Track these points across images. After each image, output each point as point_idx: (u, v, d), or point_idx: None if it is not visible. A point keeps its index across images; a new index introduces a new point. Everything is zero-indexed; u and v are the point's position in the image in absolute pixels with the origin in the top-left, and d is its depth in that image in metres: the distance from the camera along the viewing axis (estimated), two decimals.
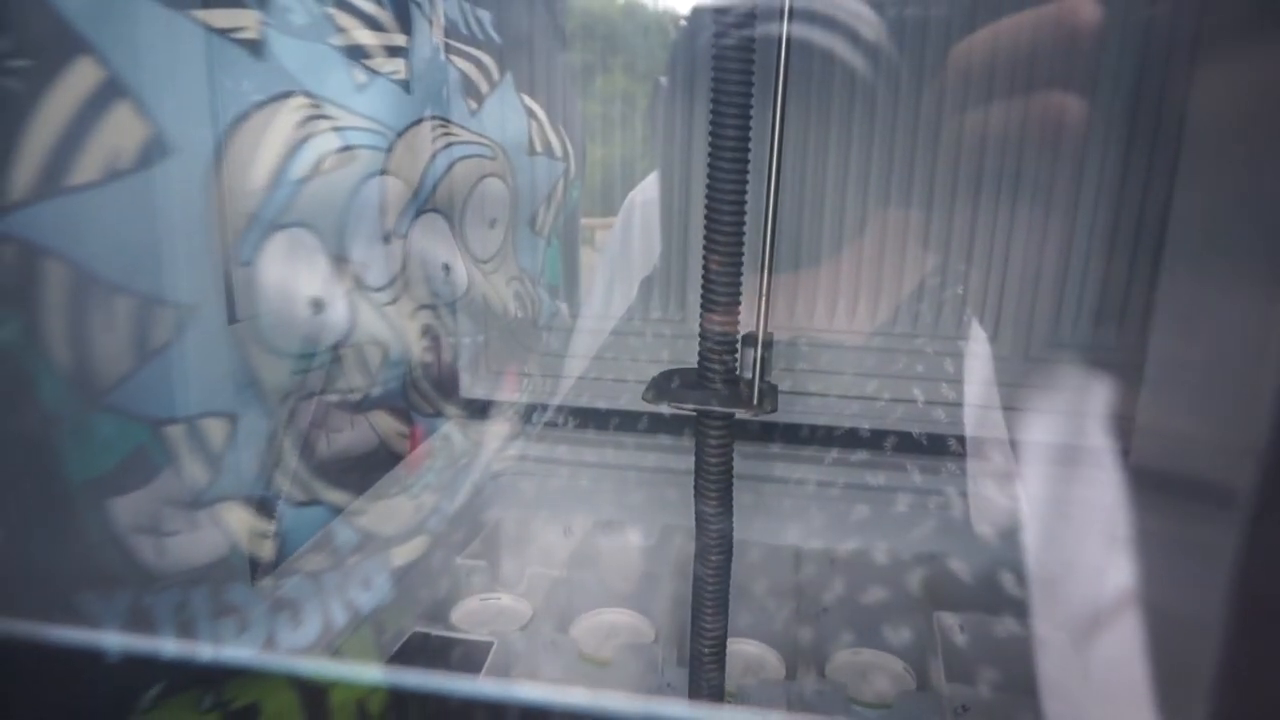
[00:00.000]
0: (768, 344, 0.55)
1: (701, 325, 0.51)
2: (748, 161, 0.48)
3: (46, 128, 0.35)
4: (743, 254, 0.50)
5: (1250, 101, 0.23)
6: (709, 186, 0.47)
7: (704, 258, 0.50)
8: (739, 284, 0.49)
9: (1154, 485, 0.28)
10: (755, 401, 0.51)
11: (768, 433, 0.73)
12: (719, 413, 0.50)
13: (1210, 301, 0.24)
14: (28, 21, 0.34)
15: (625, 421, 0.74)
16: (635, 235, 0.76)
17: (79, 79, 0.36)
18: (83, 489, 0.38)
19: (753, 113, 0.45)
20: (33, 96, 0.34)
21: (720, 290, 0.49)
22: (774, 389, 0.55)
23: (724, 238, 0.49)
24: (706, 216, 0.48)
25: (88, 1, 0.36)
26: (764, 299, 0.50)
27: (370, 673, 0.45)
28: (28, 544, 0.37)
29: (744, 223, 0.49)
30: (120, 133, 0.37)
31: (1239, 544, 0.22)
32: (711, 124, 0.44)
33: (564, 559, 0.63)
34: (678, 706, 0.45)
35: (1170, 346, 0.27)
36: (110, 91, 0.37)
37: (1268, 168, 0.21)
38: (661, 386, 0.54)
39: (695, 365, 0.50)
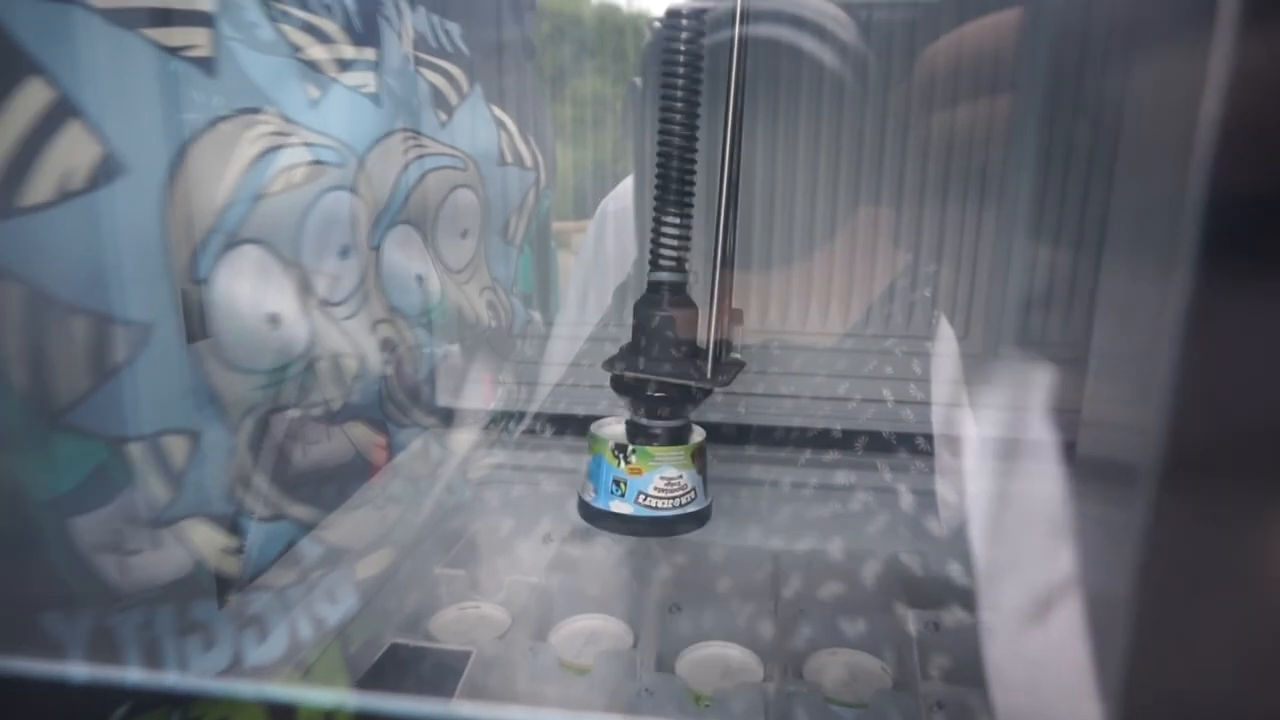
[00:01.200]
0: (735, 318, 0.56)
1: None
2: (698, 117, 0.50)
3: None
4: (691, 213, 0.53)
5: (1173, 103, 0.23)
6: (660, 143, 0.49)
7: (654, 218, 0.53)
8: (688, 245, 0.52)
9: (1095, 475, 0.28)
10: (710, 375, 0.55)
11: (742, 435, 0.73)
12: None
13: (1140, 293, 0.25)
14: None
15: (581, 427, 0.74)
16: (608, 242, 0.77)
17: (30, 100, 0.36)
18: (43, 508, 0.38)
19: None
20: None
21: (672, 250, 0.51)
22: (740, 364, 0.56)
23: (675, 196, 0.51)
24: (657, 174, 0.50)
25: (39, 22, 0.36)
26: (719, 264, 0.52)
27: (340, 691, 0.45)
28: None
29: (693, 180, 0.51)
30: (72, 152, 0.37)
31: (1142, 522, 0.23)
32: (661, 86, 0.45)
33: (542, 566, 0.63)
34: None
35: (1108, 339, 0.28)
36: (62, 111, 0.37)
37: (1187, 162, 0.22)
38: (626, 356, 0.56)
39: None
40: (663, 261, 0.55)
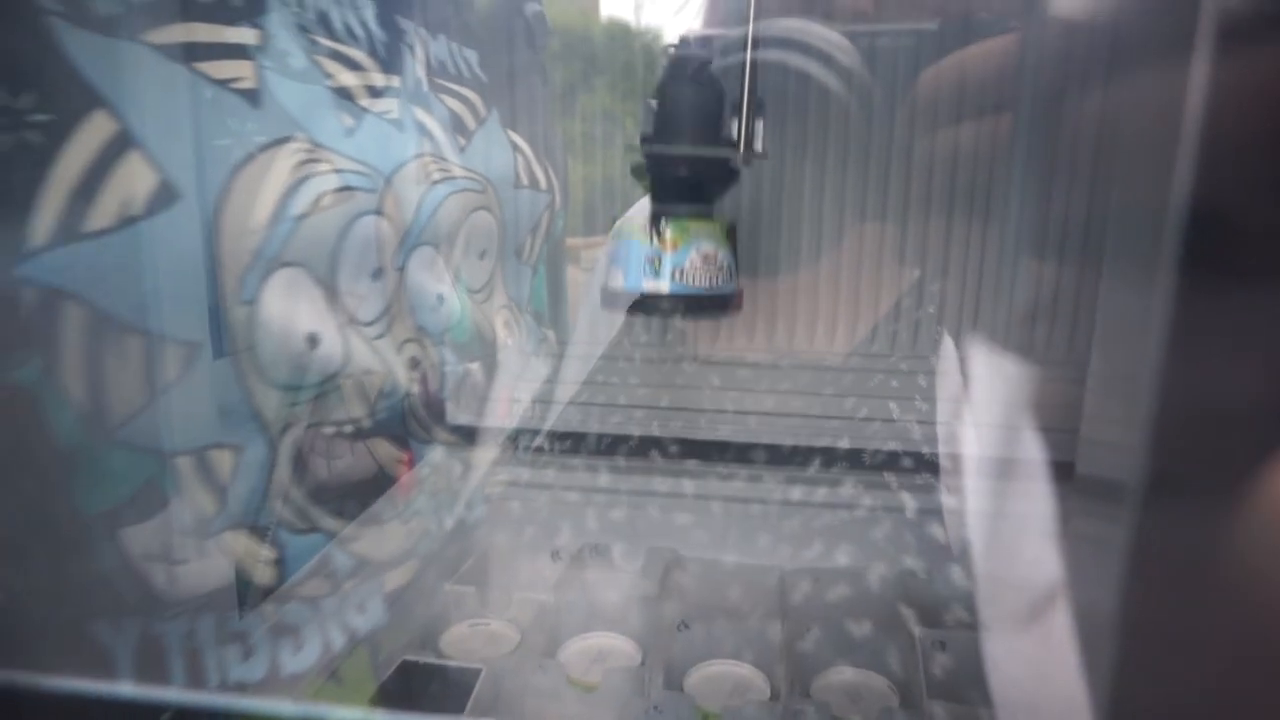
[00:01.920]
0: (759, 108, 0.56)
1: None
2: None
3: (66, 177, 0.37)
4: None
5: (1159, 120, 0.25)
6: None
7: None
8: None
9: (1091, 492, 0.30)
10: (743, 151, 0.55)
11: (745, 454, 0.75)
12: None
13: (1132, 311, 0.27)
14: (50, 78, 0.37)
15: (612, 445, 0.75)
16: None
17: (95, 131, 0.38)
18: (97, 520, 0.40)
19: None
20: (54, 148, 0.36)
21: None
22: (763, 154, 0.57)
23: None
24: None
25: (104, 59, 0.38)
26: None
27: (352, 709, 0.46)
28: (44, 574, 0.38)
29: None
30: (132, 180, 0.39)
31: (1131, 539, 0.25)
32: None
33: (551, 583, 0.64)
34: None
35: (1104, 357, 0.30)
36: (123, 142, 0.39)
37: (1171, 180, 0.24)
38: (655, 138, 0.56)
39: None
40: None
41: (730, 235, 0.60)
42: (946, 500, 0.65)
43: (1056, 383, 0.65)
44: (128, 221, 0.39)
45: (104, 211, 0.38)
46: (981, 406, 0.64)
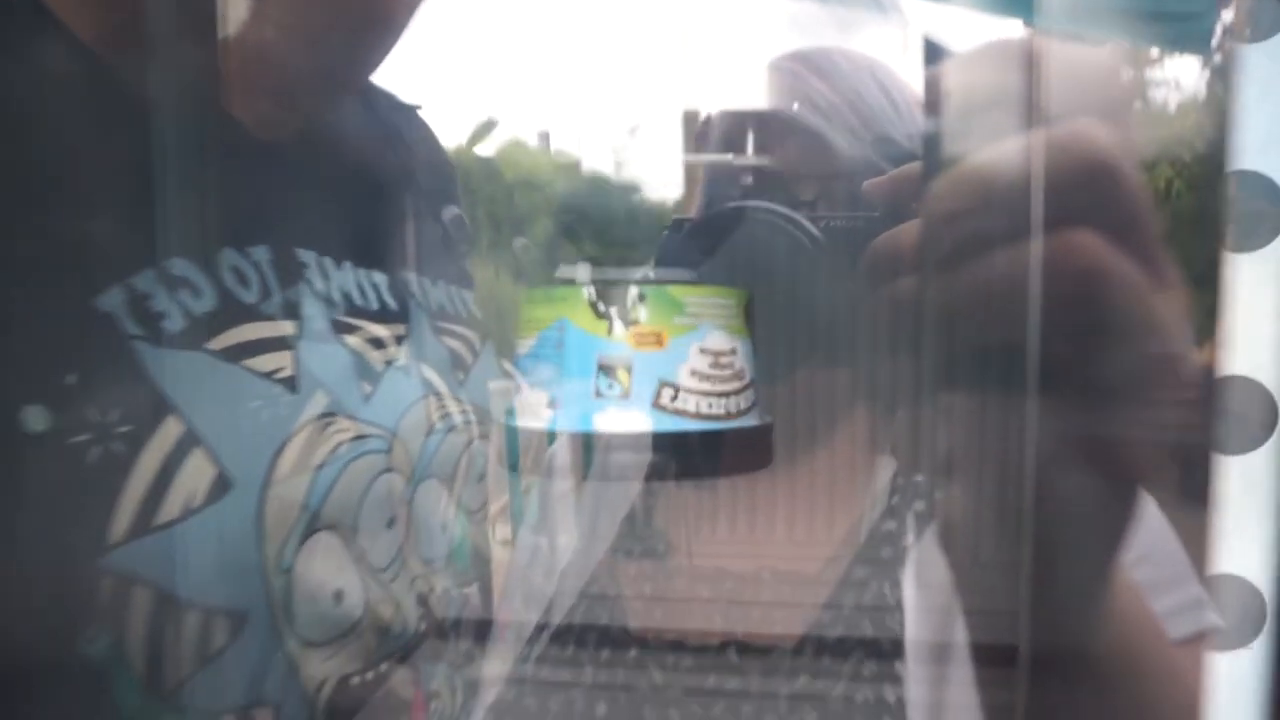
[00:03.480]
0: None
1: None
2: None
3: (143, 478, 0.43)
4: None
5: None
6: None
7: None
8: None
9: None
10: None
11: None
12: None
13: None
14: (132, 393, 0.44)
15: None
16: None
17: (166, 436, 0.44)
18: None
19: None
20: (133, 455, 0.43)
21: None
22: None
23: None
24: None
25: (173, 369, 0.46)
26: None
27: None
28: None
29: None
30: (195, 476, 0.45)
31: None
32: None
33: None
34: None
35: None
36: (189, 442, 0.45)
37: None
38: None
39: None
40: None
41: (750, 317, 0.36)
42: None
43: None
44: (191, 512, 0.45)
45: (171, 506, 0.44)
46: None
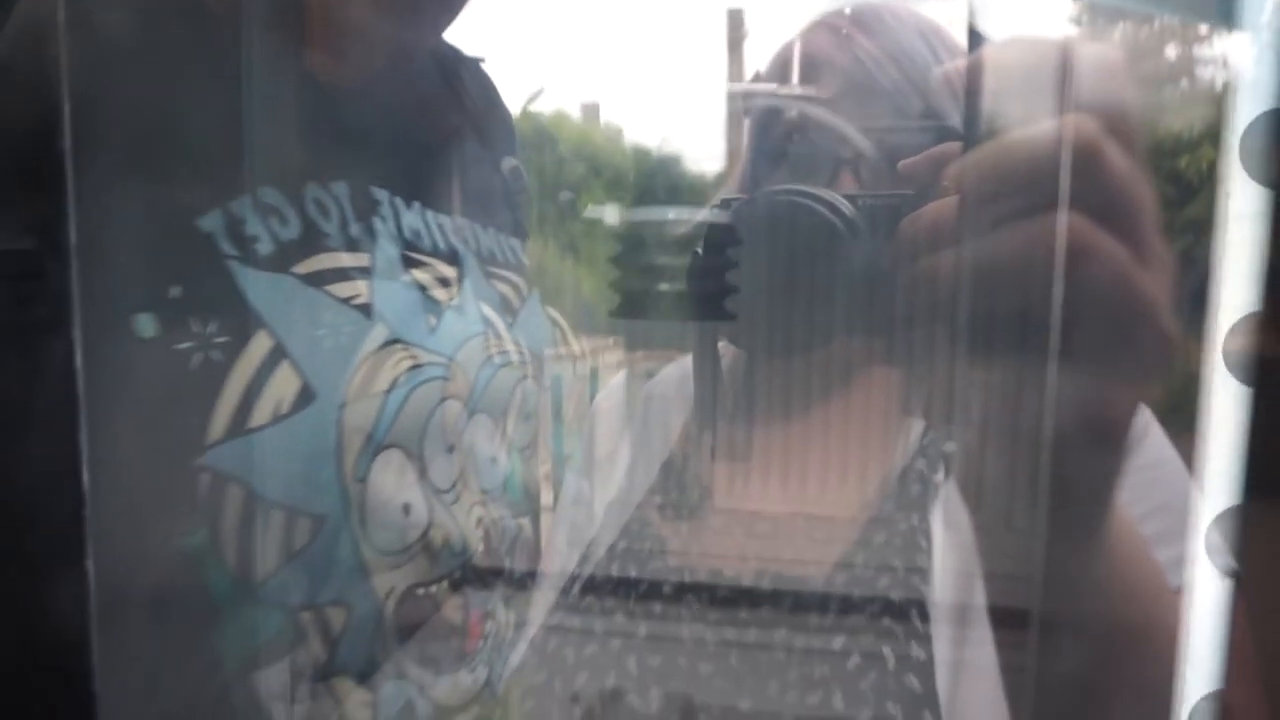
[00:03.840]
0: None
1: None
2: None
3: (238, 385, 0.47)
4: None
5: None
6: None
7: None
8: None
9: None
10: None
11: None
12: None
13: None
14: (229, 308, 0.47)
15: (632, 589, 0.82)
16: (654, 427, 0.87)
17: (258, 348, 0.48)
18: (235, 664, 0.48)
19: None
20: (230, 363, 0.47)
21: None
22: None
23: None
24: None
25: (264, 289, 0.49)
26: None
27: None
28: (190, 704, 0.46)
29: None
30: (283, 386, 0.49)
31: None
32: None
33: None
34: None
35: None
36: (277, 355, 0.49)
37: None
38: None
39: None
40: None
41: None
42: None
43: None
44: (279, 419, 0.48)
45: (261, 411, 0.48)
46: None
